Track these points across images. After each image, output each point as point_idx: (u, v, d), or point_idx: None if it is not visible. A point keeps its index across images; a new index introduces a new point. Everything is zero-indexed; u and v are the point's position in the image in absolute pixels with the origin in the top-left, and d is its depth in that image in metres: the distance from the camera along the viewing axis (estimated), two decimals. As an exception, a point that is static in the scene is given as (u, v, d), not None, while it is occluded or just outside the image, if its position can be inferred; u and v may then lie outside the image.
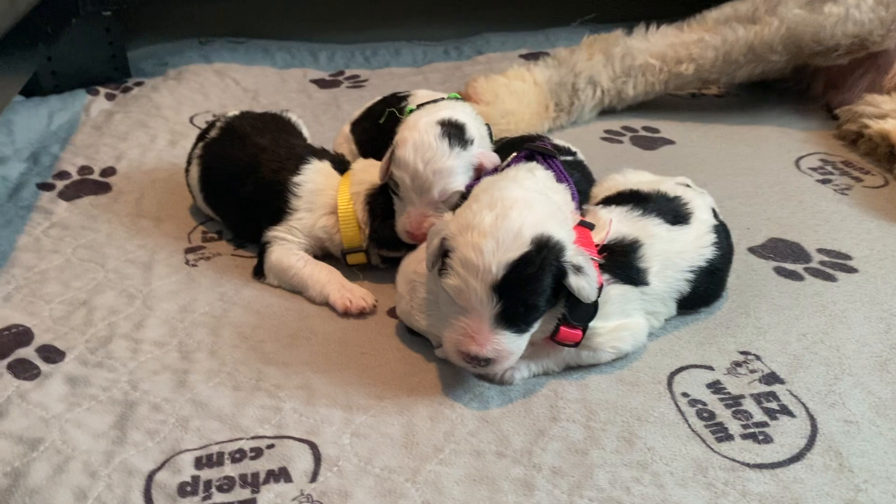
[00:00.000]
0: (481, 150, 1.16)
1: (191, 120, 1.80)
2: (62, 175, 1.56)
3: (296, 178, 1.22)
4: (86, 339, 1.10)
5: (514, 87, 1.72)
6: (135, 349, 1.09)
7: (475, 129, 1.16)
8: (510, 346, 0.93)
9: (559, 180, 1.09)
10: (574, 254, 0.94)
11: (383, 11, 2.41)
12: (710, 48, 1.78)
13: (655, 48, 1.83)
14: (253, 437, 0.94)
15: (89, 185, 1.53)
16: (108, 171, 1.58)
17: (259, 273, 1.23)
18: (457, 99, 1.25)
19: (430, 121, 1.13)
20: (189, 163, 1.36)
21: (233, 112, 1.39)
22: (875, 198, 1.48)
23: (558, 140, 1.31)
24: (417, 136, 1.11)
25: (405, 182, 1.12)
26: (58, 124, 1.78)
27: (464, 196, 1.10)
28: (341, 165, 1.26)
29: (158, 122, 1.79)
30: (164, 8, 2.28)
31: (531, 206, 0.93)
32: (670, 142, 1.73)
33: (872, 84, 1.75)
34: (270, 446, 0.93)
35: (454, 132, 1.12)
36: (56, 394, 1.01)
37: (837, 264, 1.27)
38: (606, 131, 1.78)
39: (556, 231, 0.93)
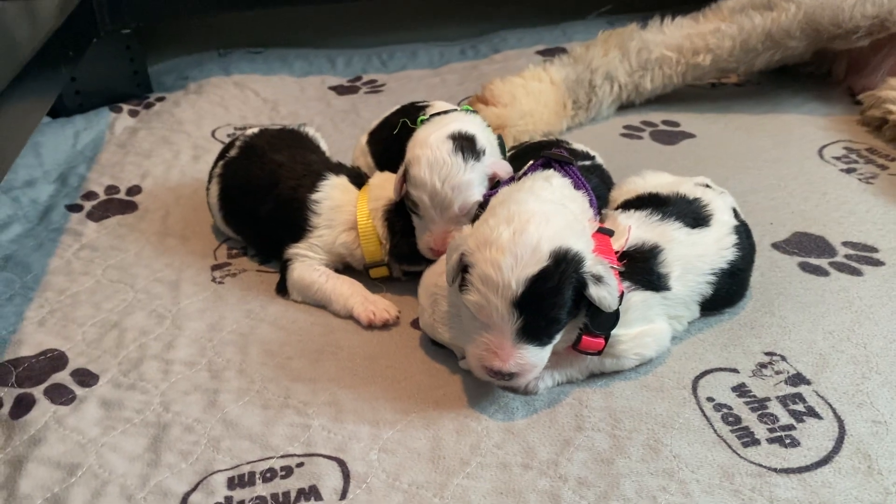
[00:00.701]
0: (493, 160, 1.16)
1: (212, 134, 1.82)
2: (90, 196, 1.59)
3: (314, 196, 1.23)
4: (118, 362, 1.13)
5: (531, 87, 1.71)
6: (166, 370, 1.11)
7: (485, 139, 1.16)
8: (533, 359, 0.93)
9: (577, 187, 1.09)
10: (593, 264, 0.94)
11: (398, 14, 2.41)
12: (727, 37, 1.76)
13: (671, 40, 1.81)
14: (283, 456, 0.96)
15: (116, 204, 1.56)
16: (134, 190, 1.60)
17: (282, 290, 1.24)
18: (467, 111, 1.25)
19: (441, 136, 1.12)
20: (209, 181, 1.38)
21: (252, 130, 1.40)
22: (901, 186, 1.45)
23: (576, 144, 1.31)
24: (430, 154, 1.11)
25: (424, 201, 1.12)
26: (83, 144, 1.82)
27: (482, 206, 1.10)
28: (358, 179, 1.27)
29: (181, 137, 1.81)
30: (183, 21, 2.31)
31: (548, 219, 0.93)
32: (690, 135, 1.72)
33: (895, 67, 1.72)
34: (300, 464, 0.94)
35: (466, 145, 1.12)
36: (91, 418, 1.03)
37: (863, 257, 1.26)
38: (626, 127, 1.77)
39: (574, 242, 0.93)
